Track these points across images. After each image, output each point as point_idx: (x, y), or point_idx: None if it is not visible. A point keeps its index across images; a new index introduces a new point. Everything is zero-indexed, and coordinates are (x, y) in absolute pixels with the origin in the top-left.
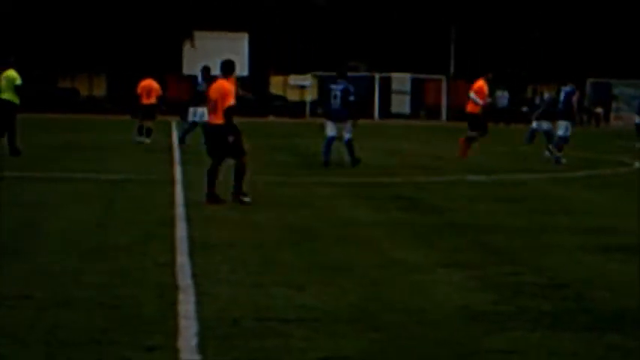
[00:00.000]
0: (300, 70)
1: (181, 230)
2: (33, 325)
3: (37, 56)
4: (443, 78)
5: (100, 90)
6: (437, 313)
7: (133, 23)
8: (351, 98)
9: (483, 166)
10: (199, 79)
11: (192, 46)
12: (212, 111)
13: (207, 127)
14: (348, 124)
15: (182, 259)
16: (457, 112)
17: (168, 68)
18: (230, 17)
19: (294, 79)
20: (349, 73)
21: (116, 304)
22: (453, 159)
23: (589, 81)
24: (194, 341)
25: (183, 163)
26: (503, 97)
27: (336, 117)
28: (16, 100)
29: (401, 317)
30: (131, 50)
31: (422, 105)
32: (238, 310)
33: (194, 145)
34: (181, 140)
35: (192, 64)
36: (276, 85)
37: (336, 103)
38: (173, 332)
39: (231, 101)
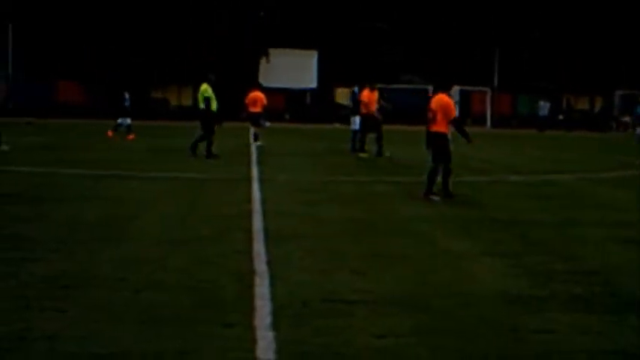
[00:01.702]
0: (363, 83)
1: (257, 222)
2: (128, 304)
3: (133, 70)
4: (488, 90)
5: (187, 100)
6: (480, 297)
7: (217, 41)
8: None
9: (524, 167)
10: (355, 91)
11: (267, 61)
12: (432, 121)
13: (429, 134)
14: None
15: (258, 248)
16: (499, 120)
17: (246, 81)
18: (301, 36)
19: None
20: (406, 86)
21: (199, 287)
22: (496, 161)
23: (617, 93)
24: (268, 319)
25: (259, 163)
26: (544, 106)
27: None
28: (209, 109)
29: (448, 300)
30: (214, 64)
31: (469, 113)
32: (307, 292)
33: (268, 148)
34: (354, 149)
35: (267, 77)
36: (341, 95)
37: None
38: (249, 311)
39: (454, 113)
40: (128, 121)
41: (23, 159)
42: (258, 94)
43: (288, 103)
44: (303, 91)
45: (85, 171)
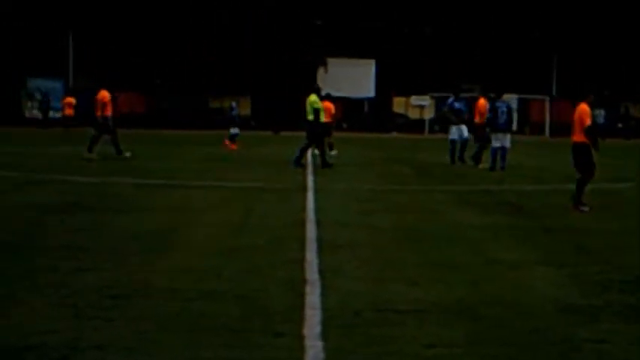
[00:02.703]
0: (420, 92)
1: (311, 231)
2: (179, 314)
3: (192, 81)
4: (546, 98)
5: (245, 109)
6: (532, 306)
7: (275, 51)
8: (515, 115)
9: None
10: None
11: (326, 71)
12: (573, 131)
13: (573, 145)
14: (509, 136)
15: (310, 257)
16: (558, 128)
17: (304, 91)
18: (359, 46)
19: (414, 100)
20: (463, 94)
21: (250, 296)
22: (553, 169)
23: None
24: (318, 329)
25: (315, 172)
26: (600, 115)
27: (502, 129)
28: (318, 119)
29: (500, 310)
30: (272, 74)
31: (527, 122)
32: (359, 302)
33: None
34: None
35: (325, 86)
36: (398, 104)
37: (502, 118)
38: (299, 321)
39: (588, 121)
40: (237, 130)
41: (82, 169)
42: (328, 104)
43: (346, 113)
44: (360, 100)
45: (143, 180)
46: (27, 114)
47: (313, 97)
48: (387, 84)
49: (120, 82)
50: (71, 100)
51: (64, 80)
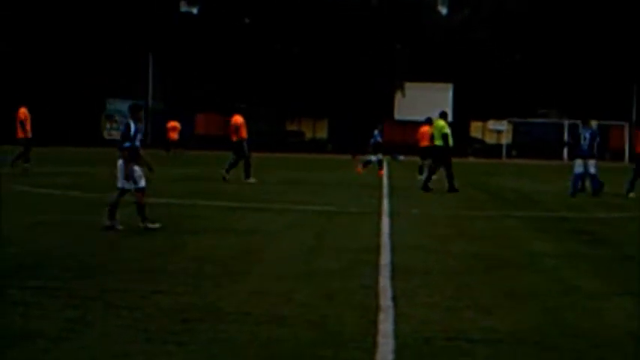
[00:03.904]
0: (497, 116)
1: (385, 257)
2: (249, 339)
3: (269, 103)
4: (626, 124)
5: (322, 132)
6: (610, 338)
7: (351, 75)
8: (597, 140)
9: None
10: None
11: (403, 95)
12: None
13: None
14: (594, 162)
15: (384, 283)
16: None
17: (382, 114)
18: (437, 70)
19: (492, 124)
20: (540, 119)
21: (322, 322)
22: (634, 197)
23: None
24: (390, 357)
25: (391, 196)
26: None
27: (585, 155)
28: (447, 145)
29: (576, 340)
30: (349, 98)
31: (607, 148)
32: (431, 330)
33: (400, 182)
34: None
35: (402, 111)
36: (475, 129)
37: (585, 144)
38: (371, 349)
39: None
40: (379, 157)
41: (160, 190)
42: (426, 129)
43: None
44: None
45: (220, 202)
46: (106, 135)
47: (442, 123)
48: (465, 108)
49: (200, 104)
50: (175, 124)
51: (145, 102)
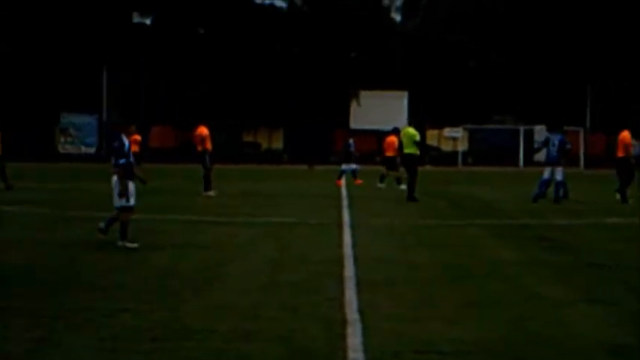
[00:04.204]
0: (453, 123)
1: (349, 269)
2: (218, 356)
3: (226, 114)
4: (580, 130)
5: (277, 143)
6: (579, 346)
7: (306, 85)
8: (568, 147)
9: (622, 209)
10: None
11: (358, 104)
12: None
13: None
14: (561, 169)
15: (350, 295)
16: (593, 161)
17: (336, 124)
18: (391, 78)
19: (448, 132)
20: (495, 126)
21: (290, 337)
22: (591, 202)
23: None
24: None
25: (350, 207)
26: (637, 146)
27: (553, 162)
28: (417, 153)
29: (546, 350)
30: (304, 108)
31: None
32: (400, 343)
33: (359, 192)
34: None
35: (357, 119)
36: (431, 137)
37: (553, 150)
38: None
39: None
40: (353, 166)
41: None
42: (393, 139)
43: (379, 146)
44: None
45: (180, 216)
46: (60, 149)
47: (412, 131)
48: (420, 116)
49: (154, 117)
50: (137, 137)
51: (98, 115)
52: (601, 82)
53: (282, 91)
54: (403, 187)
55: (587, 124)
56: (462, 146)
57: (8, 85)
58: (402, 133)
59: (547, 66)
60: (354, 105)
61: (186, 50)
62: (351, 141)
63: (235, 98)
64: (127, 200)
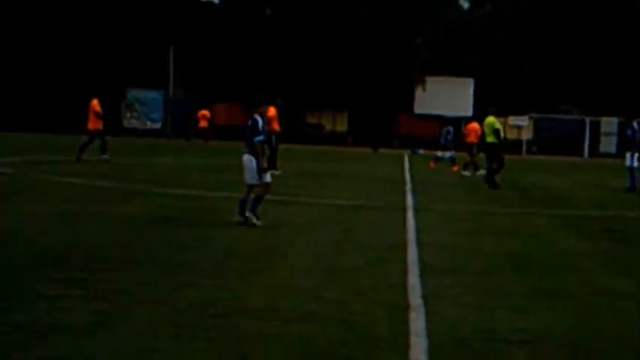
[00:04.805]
0: (518, 112)
1: (412, 254)
2: (278, 336)
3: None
4: None
5: (342, 125)
6: None
7: (372, 69)
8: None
9: None
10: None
11: (424, 89)
12: None
13: None
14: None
15: (413, 281)
16: None
17: (401, 108)
18: (457, 64)
19: (512, 120)
20: (561, 116)
21: (352, 320)
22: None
23: None
24: (423, 358)
25: (415, 192)
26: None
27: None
28: (500, 141)
29: (610, 343)
30: (370, 92)
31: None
32: (464, 330)
33: (422, 176)
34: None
35: (422, 105)
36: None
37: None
38: (404, 349)
39: None
40: (449, 154)
41: (182, 181)
42: (475, 126)
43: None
44: (458, 119)
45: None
46: (126, 124)
47: (492, 119)
48: (485, 103)
49: (219, 95)
50: (205, 112)
51: (164, 91)
52: None
53: (348, 74)
54: (467, 173)
55: None
56: (526, 135)
57: (78, 62)
58: (484, 123)
59: (613, 56)
60: (419, 90)
61: (253, 30)
62: (450, 129)
63: (301, 79)
64: (263, 177)
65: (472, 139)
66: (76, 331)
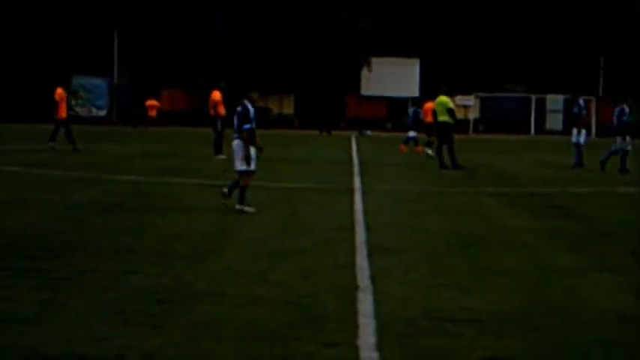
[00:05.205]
0: (464, 91)
1: (360, 235)
2: (226, 320)
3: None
4: (593, 98)
5: (289, 108)
6: (592, 316)
7: (318, 50)
8: (624, 118)
9: (634, 178)
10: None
11: (369, 70)
12: None
13: None
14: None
15: (361, 262)
16: (605, 129)
17: (347, 89)
18: (403, 44)
19: (459, 99)
20: (507, 94)
21: (300, 302)
22: (602, 171)
23: None
24: (372, 339)
25: (361, 173)
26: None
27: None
28: (454, 120)
29: (559, 320)
30: (316, 73)
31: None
32: (412, 309)
33: (370, 158)
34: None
35: (369, 86)
36: None
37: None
38: (352, 330)
39: None
40: (412, 134)
41: (127, 168)
42: (431, 105)
43: (390, 112)
44: (404, 100)
45: (190, 180)
46: (70, 111)
47: (445, 98)
48: (431, 83)
49: (162, 80)
50: (154, 102)
51: (109, 78)
52: (613, 51)
53: (293, 56)
54: (430, 152)
55: (600, 92)
56: (473, 114)
57: (18, 48)
58: (435, 102)
59: (559, 34)
60: (365, 71)
61: (196, 13)
62: (418, 109)
63: (245, 63)
64: (249, 165)
65: (430, 118)
66: (21, 320)
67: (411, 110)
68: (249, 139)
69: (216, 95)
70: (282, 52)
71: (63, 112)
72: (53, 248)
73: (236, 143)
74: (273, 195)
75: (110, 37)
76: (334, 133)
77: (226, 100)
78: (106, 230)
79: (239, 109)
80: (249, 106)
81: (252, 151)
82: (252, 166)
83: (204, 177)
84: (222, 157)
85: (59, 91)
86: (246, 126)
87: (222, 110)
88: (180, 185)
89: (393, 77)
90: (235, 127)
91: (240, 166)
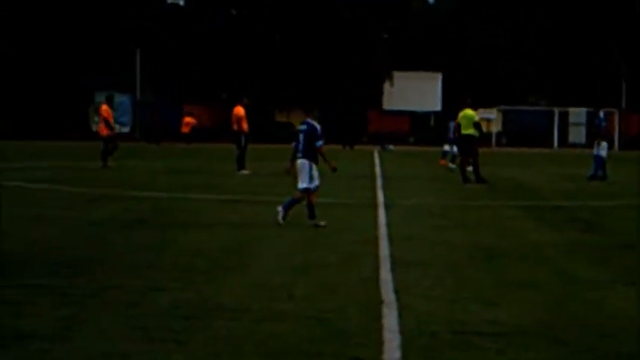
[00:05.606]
0: (487, 105)
1: (384, 249)
2: (249, 335)
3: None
4: (615, 111)
5: None
6: (616, 328)
7: (340, 66)
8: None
9: None
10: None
11: (391, 85)
12: None
13: None
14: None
15: (385, 275)
16: (629, 142)
17: (369, 104)
18: (425, 59)
19: (481, 113)
20: (529, 107)
21: (324, 317)
22: (625, 184)
23: None
24: (397, 354)
25: (384, 188)
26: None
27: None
28: (481, 133)
29: (583, 333)
30: (338, 88)
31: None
32: (436, 323)
33: (392, 172)
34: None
35: (391, 100)
36: None
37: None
38: (377, 344)
39: None
40: (447, 148)
41: (150, 184)
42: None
43: (413, 126)
44: (427, 114)
45: (211, 196)
46: (94, 128)
47: (471, 112)
48: (454, 97)
49: (186, 96)
50: (190, 119)
51: (132, 94)
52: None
53: (315, 71)
54: (453, 166)
55: (623, 105)
56: (495, 127)
57: (44, 65)
58: (460, 115)
59: (581, 48)
60: (387, 86)
61: (220, 30)
62: (451, 124)
63: (267, 79)
64: (311, 182)
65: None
66: (45, 337)
67: (451, 124)
68: (318, 157)
69: (240, 111)
70: (305, 68)
71: (107, 129)
72: (76, 264)
73: (300, 162)
74: (296, 209)
75: (133, 53)
76: (357, 147)
77: (249, 115)
78: (127, 246)
79: (304, 127)
80: (315, 124)
81: (315, 170)
82: (316, 182)
83: (227, 192)
84: (246, 172)
85: (104, 107)
86: (319, 143)
87: (245, 126)
88: (203, 201)
89: (415, 91)
90: (301, 146)
91: (306, 184)
